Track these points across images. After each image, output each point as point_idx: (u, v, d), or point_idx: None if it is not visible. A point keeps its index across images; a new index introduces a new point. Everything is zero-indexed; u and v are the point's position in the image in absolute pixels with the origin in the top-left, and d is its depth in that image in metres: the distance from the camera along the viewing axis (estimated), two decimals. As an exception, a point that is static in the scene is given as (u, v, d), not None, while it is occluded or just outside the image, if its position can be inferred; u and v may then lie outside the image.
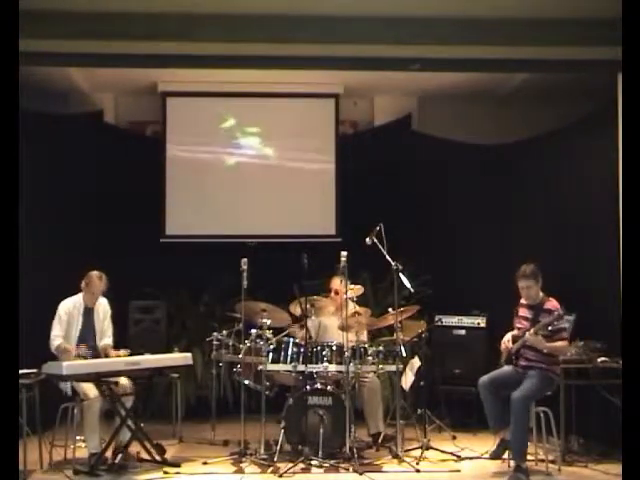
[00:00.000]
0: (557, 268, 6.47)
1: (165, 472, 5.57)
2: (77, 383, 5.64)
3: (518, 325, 5.87)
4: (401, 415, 6.06)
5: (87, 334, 6.01)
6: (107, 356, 5.95)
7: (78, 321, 5.98)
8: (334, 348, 6.09)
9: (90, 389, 5.63)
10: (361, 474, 5.46)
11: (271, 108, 8.36)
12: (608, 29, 5.45)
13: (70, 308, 5.96)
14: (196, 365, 7.16)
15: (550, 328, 5.54)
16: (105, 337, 6.10)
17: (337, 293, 6.57)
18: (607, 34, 5.58)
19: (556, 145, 7.38)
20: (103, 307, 6.14)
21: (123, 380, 5.82)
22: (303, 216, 8.34)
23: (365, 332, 6.54)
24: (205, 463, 5.80)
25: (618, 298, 5.09)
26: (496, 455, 5.89)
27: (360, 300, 6.44)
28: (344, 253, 6.00)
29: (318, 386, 5.95)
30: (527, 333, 5.60)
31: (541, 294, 5.78)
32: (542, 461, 5.66)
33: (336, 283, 6.55)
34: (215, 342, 6.37)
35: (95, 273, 6.01)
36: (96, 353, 5.99)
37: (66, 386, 5.72)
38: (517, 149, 7.90)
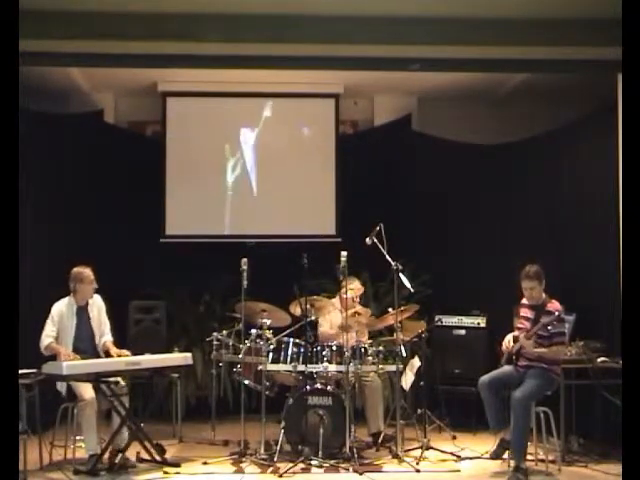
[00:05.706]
0: (557, 268, 6.47)
1: (165, 472, 5.56)
2: (74, 384, 5.59)
3: (519, 325, 5.86)
4: (401, 415, 6.06)
5: (84, 334, 5.92)
6: (108, 353, 5.88)
7: (72, 322, 5.88)
8: (334, 348, 6.10)
9: (85, 390, 5.55)
10: (361, 474, 5.46)
11: (271, 108, 8.35)
12: (608, 29, 5.44)
13: (62, 309, 5.88)
14: (196, 365, 7.15)
15: (549, 329, 5.54)
16: (104, 334, 6.04)
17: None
18: (607, 34, 5.57)
19: (556, 145, 7.38)
20: (97, 304, 6.05)
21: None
22: (303, 216, 8.34)
23: (366, 332, 6.54)
24: (205, 463, 5.80)
25: (618, 298, 5.08)
26: (496, 455, 5.89)
27: (360, 300, 6.44)
28: (344, 253, 6.00)
29: (318, 386, 5.95)
30: (521, 335, 5.61)
31: (544, 295, 5.78)
32: (542, 461, 5.66)
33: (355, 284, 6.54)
34: (215, 342, 6.36)
35: (82, 267, 5.93)
36: (96, 352, 5.95)
37: (62, 387, 5.69)
38: (517, 149, 7.89)
